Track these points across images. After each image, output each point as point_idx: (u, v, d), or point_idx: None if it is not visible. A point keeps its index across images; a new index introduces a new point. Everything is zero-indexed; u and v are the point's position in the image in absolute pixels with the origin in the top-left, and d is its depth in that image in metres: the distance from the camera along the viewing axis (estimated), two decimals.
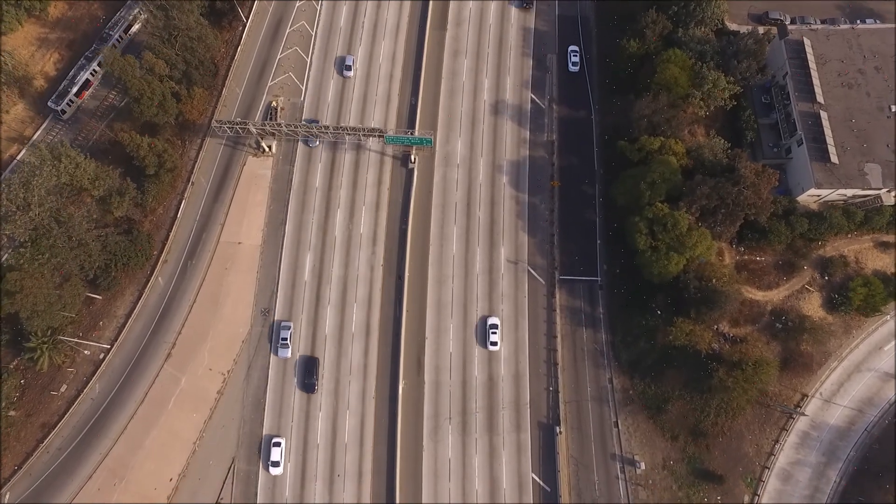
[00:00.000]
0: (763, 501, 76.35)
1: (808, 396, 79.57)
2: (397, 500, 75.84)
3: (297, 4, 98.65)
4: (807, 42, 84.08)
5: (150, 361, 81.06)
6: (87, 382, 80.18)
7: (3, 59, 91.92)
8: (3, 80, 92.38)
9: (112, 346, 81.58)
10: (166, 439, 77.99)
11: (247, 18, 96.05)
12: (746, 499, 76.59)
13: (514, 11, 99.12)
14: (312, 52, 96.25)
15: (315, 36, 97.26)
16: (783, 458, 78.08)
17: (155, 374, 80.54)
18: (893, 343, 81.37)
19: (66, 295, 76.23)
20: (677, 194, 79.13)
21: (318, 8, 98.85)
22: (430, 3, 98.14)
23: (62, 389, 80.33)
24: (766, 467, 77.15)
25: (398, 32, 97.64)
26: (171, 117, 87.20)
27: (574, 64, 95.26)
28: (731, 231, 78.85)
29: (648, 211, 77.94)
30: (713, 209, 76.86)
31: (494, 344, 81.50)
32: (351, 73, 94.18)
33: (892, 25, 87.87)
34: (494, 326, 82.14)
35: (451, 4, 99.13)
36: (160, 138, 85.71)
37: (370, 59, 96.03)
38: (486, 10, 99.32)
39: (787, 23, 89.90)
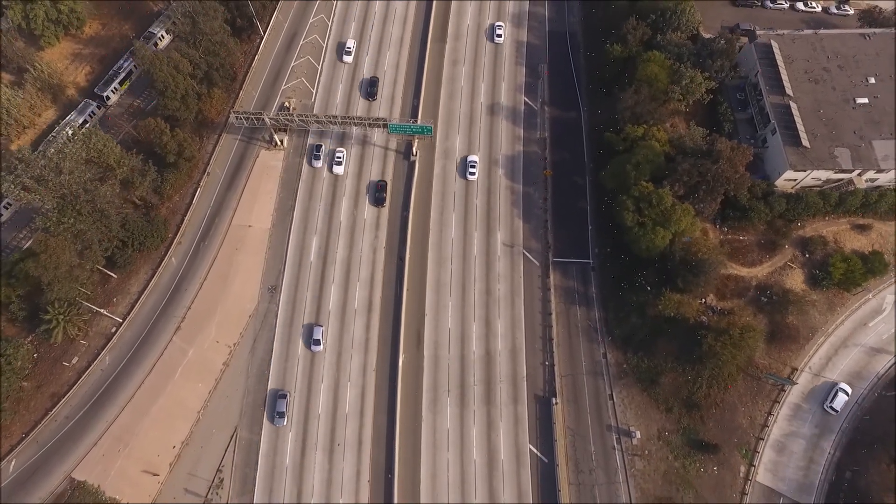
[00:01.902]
0: (759, 472, 77.09)
1: (797, 370, 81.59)
2: (396, 470, 76.83)
3: (311, 20, 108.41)
4: (774, 44, 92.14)
5: (159, 334, 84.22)
6: (98, 354, 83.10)
7: (40, 67, 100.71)
8: (37, 86, 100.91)
9: (124, 320, 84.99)
10: (172, 408, 79.96)
11: (264, 32, 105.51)
12: (743, 469, 77.29)
13: (508, 27, 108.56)
14: (323, 61, 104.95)
15: (326, 48, 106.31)
16: (777, 429, 79.19)
17: (164, 346, 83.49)
18: (891, 313, 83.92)
19: (85, 266, 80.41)
20: (661, 176, 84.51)
21: (329, 24, 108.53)
22: (431, 20, 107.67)
23: (74, 361, 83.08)
24: (761, 438, 78.22)
25: (402, 45, 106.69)
26: (192, 114, 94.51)
27: None
28: (713, 207, 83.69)
29: (635, 190, 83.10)
30: (694, 187, 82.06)
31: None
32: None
33: (850, 31, 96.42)
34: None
35: (451, 20, 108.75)
36: (180, 130, 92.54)
37: (376, 67, 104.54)
38: (482, 25, 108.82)
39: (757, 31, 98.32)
